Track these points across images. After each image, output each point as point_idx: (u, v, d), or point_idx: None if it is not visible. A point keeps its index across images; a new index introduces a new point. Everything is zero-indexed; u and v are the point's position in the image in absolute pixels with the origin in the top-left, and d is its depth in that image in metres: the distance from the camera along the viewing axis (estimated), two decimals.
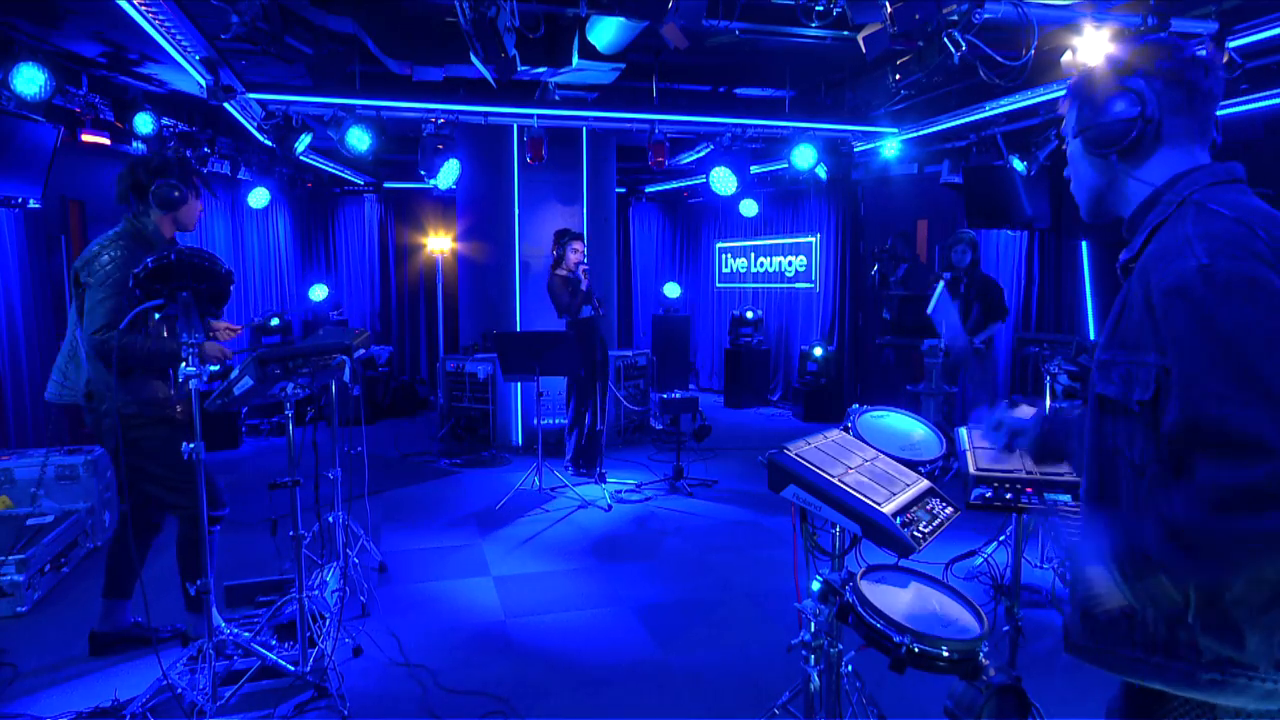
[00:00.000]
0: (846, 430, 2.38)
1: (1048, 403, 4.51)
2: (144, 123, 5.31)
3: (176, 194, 3.21)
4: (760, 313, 9.86)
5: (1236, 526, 1.08)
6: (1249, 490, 1.07)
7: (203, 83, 4.87)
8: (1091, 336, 6.20)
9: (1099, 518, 1.36)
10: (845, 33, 4.19)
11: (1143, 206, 1.36)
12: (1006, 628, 2.92)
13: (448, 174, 6.25)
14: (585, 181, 7.48)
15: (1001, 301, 5.95)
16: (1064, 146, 1.50)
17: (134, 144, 5.62)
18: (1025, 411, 1.73)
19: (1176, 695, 1.26)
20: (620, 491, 6.02)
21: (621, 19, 4.29)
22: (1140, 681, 1.30)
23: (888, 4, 3.57)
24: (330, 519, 3.95)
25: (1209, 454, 1.13)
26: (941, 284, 1.97)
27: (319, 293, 9.96)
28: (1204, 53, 1.33)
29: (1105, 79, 1.36)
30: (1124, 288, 1.34)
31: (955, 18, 3.62)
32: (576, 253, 6.03)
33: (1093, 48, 3.93)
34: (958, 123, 6.44)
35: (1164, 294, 1.19)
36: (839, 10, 3.77)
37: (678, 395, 6.42)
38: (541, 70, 5.22)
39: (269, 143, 6.16)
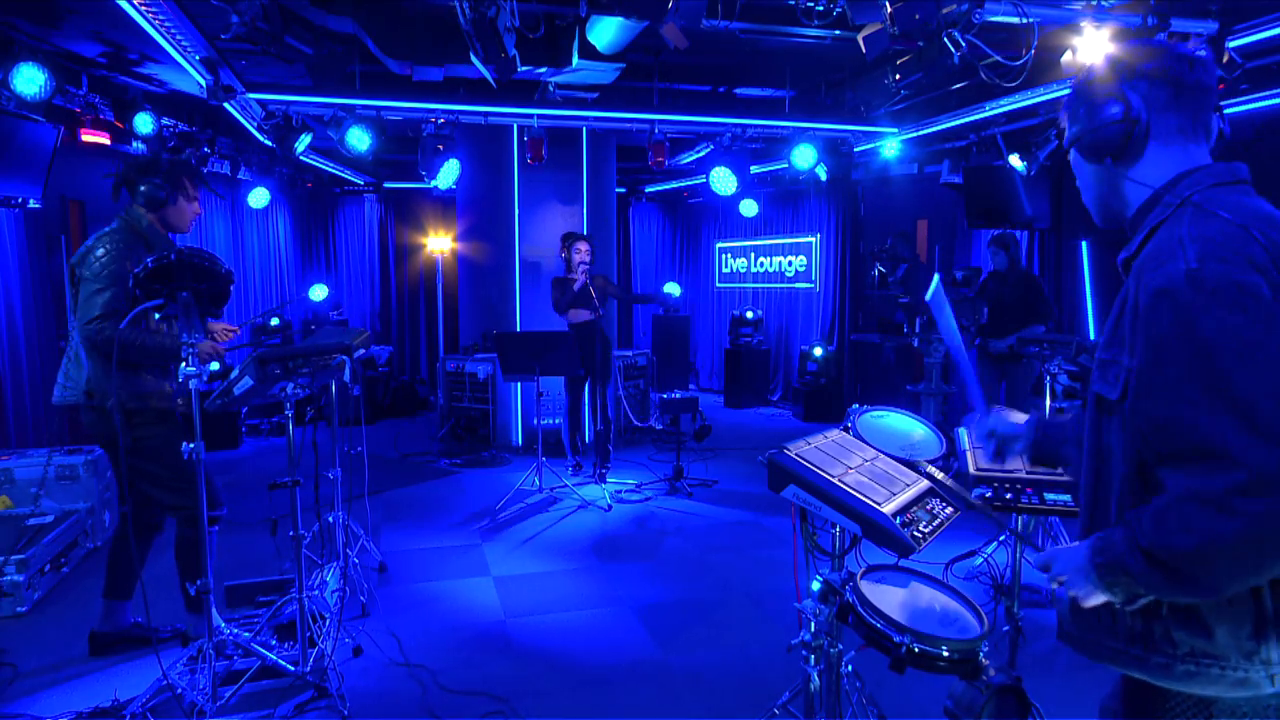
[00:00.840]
0: (846, 430, 2.38)
1: (1048, 403, 4.51)
2: (144, 123, 5.31)
3: (162, 194, 3.20)
4: (760, 313, 9.87)
5: (1201, 545, 1.11)
6: (1211, 502, 1.10)
7: (203, 83, 4.87)
8: (1091, 336, 6.20)
9: (1092, 519, 1.39)
10: (845, 33, 4.19)
11: (1143, 207, 1.37)
12: (1006, 628, 2.92)
13: (448, 174, 6.25)
14: (585, 181, 7.48)
15: (1040, 302, 5.73)
16: (1068, 158, 1.52)
17: (134, 144, 5.62)
18: (1018, 417, 1.74)
19: (1172, 694, 1.29)
20: (620, 491, 6.02)
21: (621, 19, 4.29)
22: (1124, 671, 1.34)
23: (888, 4, 3.57)
24: (330, 519, 3.95)
25: (1174, 462, 1.16)
26: (938, 277, 1.96)
27: (319, 293, 9.96)
28: (1190, 49, 1.34)
29: (1091, 88, 1.38)
30: (1123, 288, 1.35)
31: (955, 18, 3.61)
32: (579, 253, 6.04)
33: (1093, 48, 3.93)
34: (958, 123, 6.44)
35: (1152, 294, 1.21)
36: (839, 10, 3.77)
37: (678, 395, 6.42)
38: (541, 70, 5.22)
39: (269, 143, 6.16)
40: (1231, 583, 1.15)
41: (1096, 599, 1.27)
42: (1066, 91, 1.46)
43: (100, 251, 3.06)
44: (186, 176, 3.31)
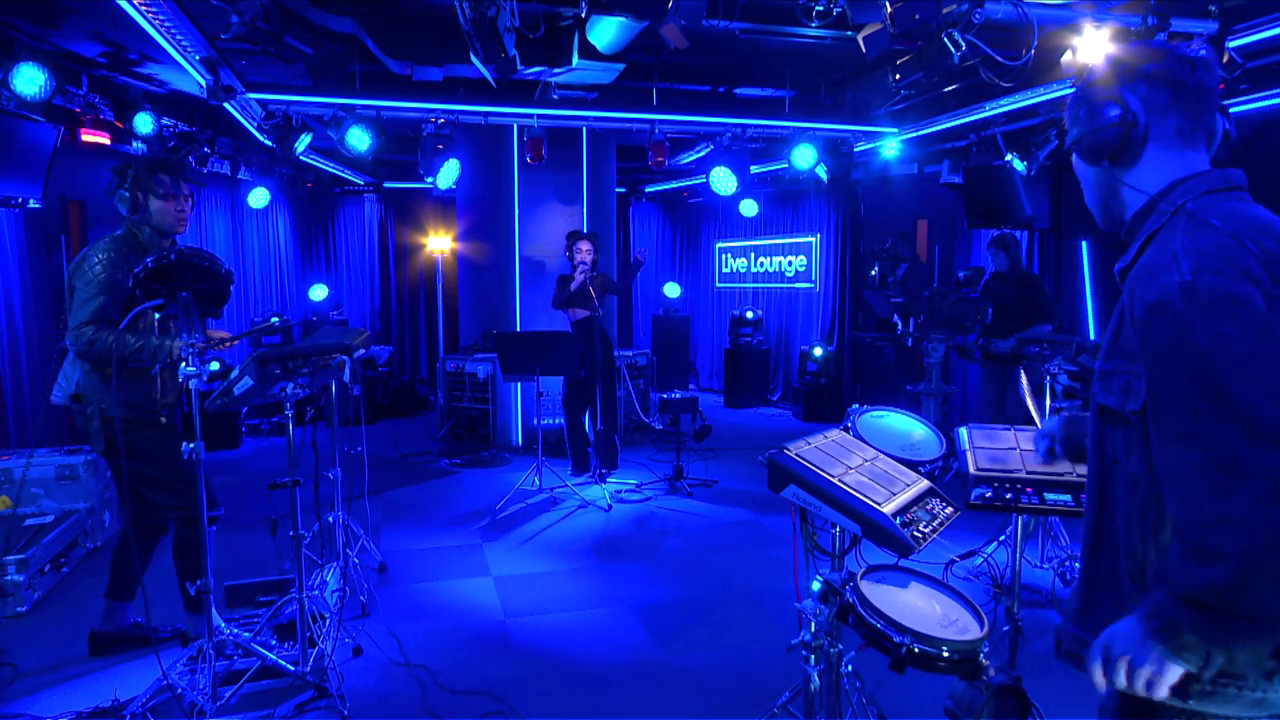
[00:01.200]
0: (846, 430, 2.38)
1: (1048, 403, 4.51)
2: (144, 123, 5.30)
3: (135, 196, 3.15)
4: (760, 313, 9.87)
5: (1234, 571, 1.07)
6: (1229, 521, 1.07)
7: (203, 83, 4.87)
8: (1092, 336, 6.20)
9: (1098, 526, 1.37)
10: (845, 33, 4.19)
11: (1139, 214, 1.37)
12: (1006, 628, 2.92)
13: (448, 174, 6.25)
14: (585, 181, 7.49)
15: (1044, 302, 5.61)
16: (1070, 161, 1.51)
17: (134, 144, 5.62)
18: (1050, 416, 1.75)
19: None
20: (620, 491, 6.02)
21: (621, 19, 4.29)
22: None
23: (888, 4, 3.57)
24: (330, 519, 3.95)
25: (1182, 483, 1.14)
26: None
27: (319, 293, 9.96)
28: (1191, 50, 1.33)
29: (1091, 90, 1.37)
30: (1121, 298, 1.34)
31: (955, 18, 3.61)
32: (580, 252, 6.04)
33: (1093, 48, 3.93)
34: (958, 123, 6.44)
35: (1147, 308, 1.20)
36: (839, 10, 3.77)
37: (678, 395, 6.42)
38: (541, 70, 5.22)
39: (269, 143, 6.16)
40: None
41: (1173, 672, 1.17)
42: (1067, 91, 1.46)
43: (94, 259, 3.06)
44: (158, 172, 3.21)
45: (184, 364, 2.66)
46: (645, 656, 3.50)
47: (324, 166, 8.90)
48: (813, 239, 9.50)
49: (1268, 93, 4.86)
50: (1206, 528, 1.09)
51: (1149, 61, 1.33)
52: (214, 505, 3.27)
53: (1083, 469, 2.26)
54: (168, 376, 3.21)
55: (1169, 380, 1.17)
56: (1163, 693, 1.19)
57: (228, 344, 3.37)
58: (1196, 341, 1.13)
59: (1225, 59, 4.28)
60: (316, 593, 3.49)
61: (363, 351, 3.66)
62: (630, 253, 11.59)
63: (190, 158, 6.24)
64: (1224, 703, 1.21)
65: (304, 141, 5.94)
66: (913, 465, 2.24)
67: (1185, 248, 1.21)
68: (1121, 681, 1.21)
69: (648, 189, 11.39)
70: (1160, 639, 1.17)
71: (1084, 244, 6.42)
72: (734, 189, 7.03)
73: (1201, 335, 1.13)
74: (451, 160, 6.14)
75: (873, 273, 8.04)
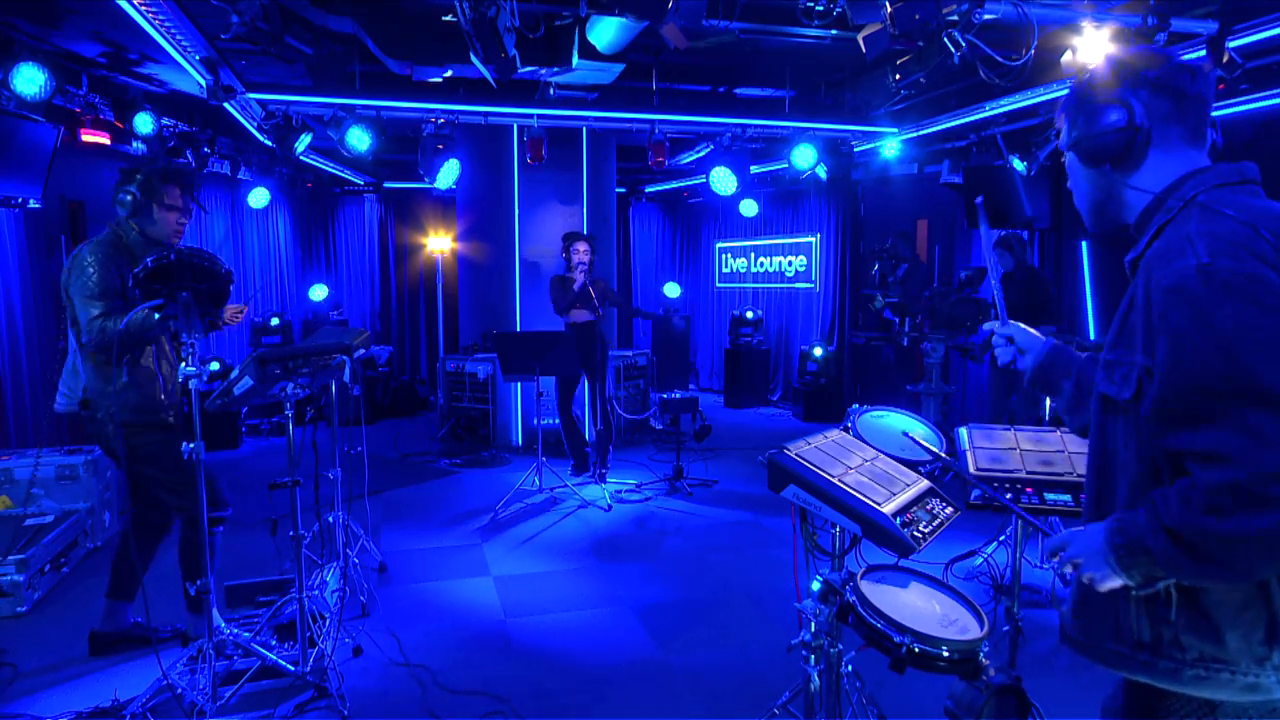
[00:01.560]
0: (846, 430, 2.38)
1: (1047, 404, 4.51)
2: (144, 123, 5.31)
3: (136, 200, 3.17)
4: (760, 313, 9.87)
5: (1229, 528, 1.09)
6: (1237, 488, 1.08)
7: (203, 83, 4.87)
8: (1092, 336, 6.20)
9: (1097, 519, 1.38)
10: (845, 33, 4.19)
11: (1148, 209, 1.37)
12: (1006, 628, 2.92)
13: (448, 174, 6.25)
14: (585, 181, 7.48)
15: (1048, 301, 5.51)
16: (1063, 160, 1.51)
17: (134, 144, 5.62)
18: (1035, 333, 1.72)
19: (1176, 695, 1.28)
20: (620, 491, 6.02)
21: (621, 19, 4.29)
22: (1129, 675, 1.32)
23: (888, 4, 3.57)
24: (330, 519, 3.95)
25: (1204, 455, 1.13)
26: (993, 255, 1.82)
27: (319, 293, 9.96)
28: (1190, 58, 1.35)
29: (1093, 93, 1.37)
30: (1130, 287, 1.34)
31: (955, 18, 3.61)
32: (578, 253, 6.04)
33: (1093, 48, 3.93)
34: (958, 123, 6.44)
35: (1163, 292, 1.20)
36: (839, 10, 3.77)
37: (678, 395, 6.42)
38: (541, 70, 5.22)
39: (269, 143, 6.16)
40: (1265, 569, 1.14)
41: (1112, 582, 1.25)
42: (1066, 92, 1.45)
43: (86, 262, 3.08)
44: (169, 182, 3.22)
45: (184, 364, 2.66)
46: (645, 656, 3.50)
47: (324, 166, 8.90)
48: (813, 239, 9.50)
49: (1268, 93, 4.86)
50: (1216, 486, 1.10)
51: (1151, 68, 1.33)
52: (223, 505, 3.29)
53: (1081, 470, 2.26)
54: (169, 375, 3.22)
55: (1185, 363, 1.16)
56: (1102, 590, 1.28)
57: (243, 312, 3.39)
58: (1218, 325, 1.13)
59: (1225, 59, 4.28)
60: (316, 593, 3.50)
61: (363, 351, 3.66)
62: (630, 253, 11.60)
63: (191, 160, 6.24)
64: (1217, 688, 1.23)
65: (304, 141, 5.95)
66: (913, 465, 2.24)
67: (1200, 231, 1.21)
68: (1067, 572, 1.33)
69: (648, 189, 11.39)
70: (1118, 555, 1.22)
71: (1084, 244, 6.42)
72: (734, 189, 7.03)
73: (1223, 319, 1.13)
74: (451, 160, 6.14)
75: (873, 272, 8.04)
